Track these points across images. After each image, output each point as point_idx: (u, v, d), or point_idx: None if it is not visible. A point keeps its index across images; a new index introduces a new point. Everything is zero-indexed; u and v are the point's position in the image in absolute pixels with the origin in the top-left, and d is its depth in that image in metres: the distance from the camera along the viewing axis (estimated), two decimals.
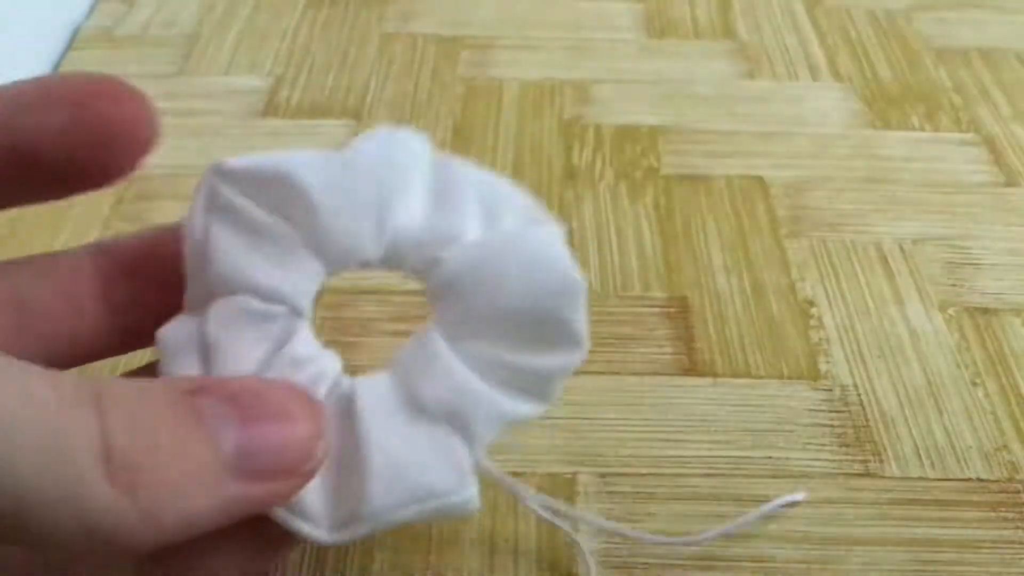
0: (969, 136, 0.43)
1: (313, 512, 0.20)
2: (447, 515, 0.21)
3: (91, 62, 0.46)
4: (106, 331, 0.23)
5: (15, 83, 0.21)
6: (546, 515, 0.26)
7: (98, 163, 0.21)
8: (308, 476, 0.20)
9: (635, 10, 0.51)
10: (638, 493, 0.29)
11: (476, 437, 0.21)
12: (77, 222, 0.37)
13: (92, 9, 0.50)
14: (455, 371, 0.21)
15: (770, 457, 0.30)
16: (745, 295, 0.35)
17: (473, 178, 0.22)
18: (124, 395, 0.17)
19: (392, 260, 0.22)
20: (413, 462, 0.21)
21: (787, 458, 0.30)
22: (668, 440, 0.30)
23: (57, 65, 0.46)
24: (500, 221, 0.22)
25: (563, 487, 0.29)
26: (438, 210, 0.22)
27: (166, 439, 0.17)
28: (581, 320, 0.22)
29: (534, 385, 0.22)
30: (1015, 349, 0.33)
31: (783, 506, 0.28)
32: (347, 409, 0.21)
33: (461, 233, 0.22)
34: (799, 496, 0.27)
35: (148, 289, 0.23)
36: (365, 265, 0.22)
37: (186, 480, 0.17)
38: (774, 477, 0.29)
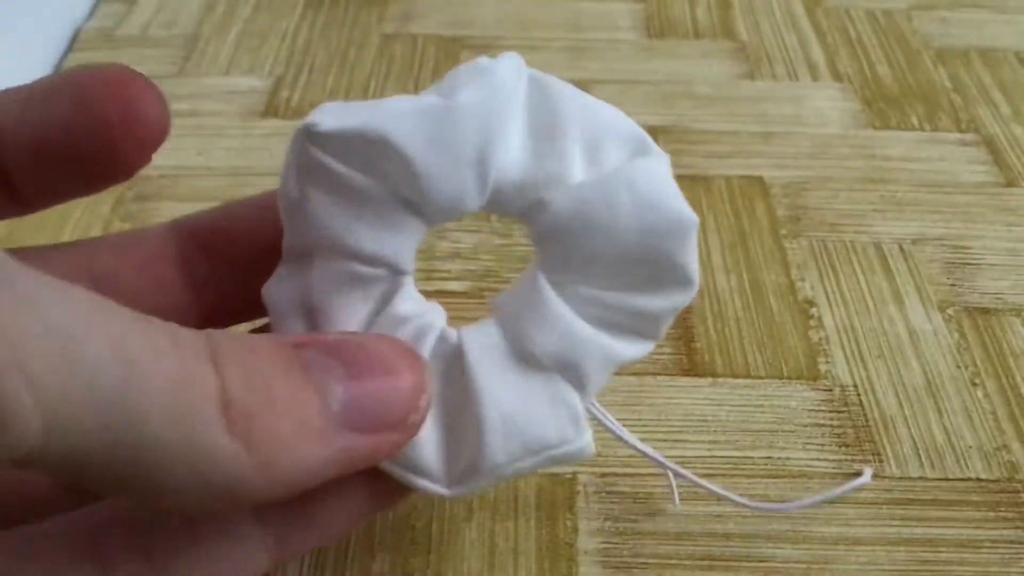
0: (969, 136, 0.43)
1: (431, 468, 0.20)
2: (563, 462, 0.21)
3: (92, 63, 0.46)
4: (186, 307, 0.23)
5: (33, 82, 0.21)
6: (655, 458, 0.25)
7: (104, 156, 0.21)
8: (413, 430, 0.20)
9: (635, 10, 0.51)
10: (637, 493, 0.29)
11: (588, 384, 0.21)
12: (77, 223, 0.37)
13: (93, 10, 0.50)
14: (564, 318, 0.21)
15: (769, 457, 0.30)
16: (745, 295, 0.35)
17: (574, 108, 0.21)
18: (238, 349, 0.18)
19: (495, 206, 0.21)
20: (527, 413, 0.21)
21: (787, 458, 0.30)
22: (667, 440, 0.30)
23: (58, 66, 0.46)
24: (605, 155, 0.21)
25: (563, 487, 0.29)
26: (540, 149, 0.21)
27: (280, 391, 0.18)
28: (694, 259, 0.21)
29: (643, 326, 0.22)
30: (1015, 349, 0.33)
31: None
32: (456, 362, 0.21)
33: (566, 173, 0.21)
34: (867, 477, 0.25)
35: (227, 265, 0.23)
36: (467, 212, 0.21)
37: (299, 431, 0.18)
38: (773, 477, 0.29)
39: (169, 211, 0.38)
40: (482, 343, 0.21)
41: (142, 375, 0.16)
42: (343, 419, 0.18)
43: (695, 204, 0.37)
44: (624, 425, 0.28)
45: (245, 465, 0.17)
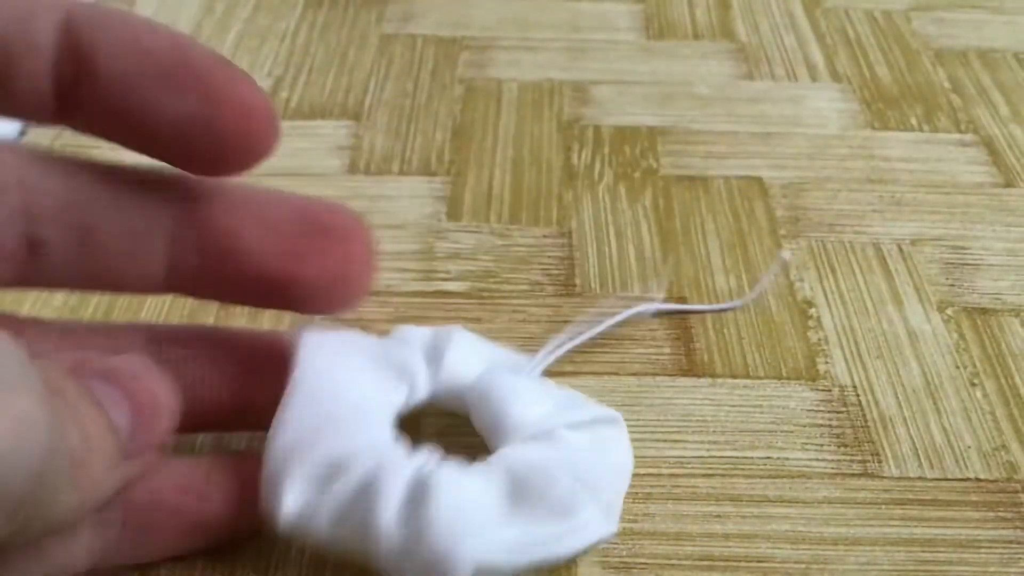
0: (968, 137, 0.43)
1: None
2: None
3: None
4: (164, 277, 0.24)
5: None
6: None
7: (215, 153, 0.22)
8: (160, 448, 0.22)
9: (634, 11, 0.51)
10: (636, 493, 0.29)
11: None
12: None
13: None
14: None
15: (769, 457, 0.30)
16: (744, 295, 0.35)
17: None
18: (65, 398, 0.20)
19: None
20: None
21: (786, 458, 0.30)
22: (666, 440, 0.30)
23: None
24: None
25: None
26: None
27: (93, 433, 0.20)
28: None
29: None
30: (1014, 349, 0.33)
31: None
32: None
33: None
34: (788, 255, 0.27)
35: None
36: None
37: (107, 470, 0.20)
38: (772, 477, 0.29)
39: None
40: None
41: (14, 451, 0.17)
42: (124, 448, 0.21)
43: (694, 204, 0.37)
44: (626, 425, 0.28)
45: (76, 505, 0.20)
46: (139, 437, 0.21)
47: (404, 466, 0.24)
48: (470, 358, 0.28)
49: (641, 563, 0.27)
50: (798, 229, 0.38)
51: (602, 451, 0.26)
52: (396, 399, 0.27)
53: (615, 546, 0.27)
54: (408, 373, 0.27)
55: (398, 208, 0.39)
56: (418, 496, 0.24)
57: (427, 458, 0.25)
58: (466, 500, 0.24)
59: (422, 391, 0.27)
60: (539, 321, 0.34)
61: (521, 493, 0.24)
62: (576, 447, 0.26)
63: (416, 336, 0.28)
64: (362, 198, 0.39)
